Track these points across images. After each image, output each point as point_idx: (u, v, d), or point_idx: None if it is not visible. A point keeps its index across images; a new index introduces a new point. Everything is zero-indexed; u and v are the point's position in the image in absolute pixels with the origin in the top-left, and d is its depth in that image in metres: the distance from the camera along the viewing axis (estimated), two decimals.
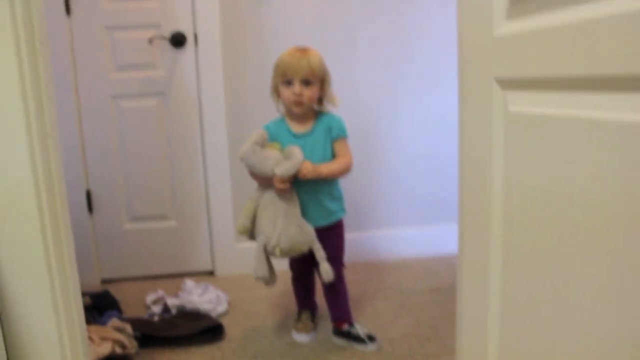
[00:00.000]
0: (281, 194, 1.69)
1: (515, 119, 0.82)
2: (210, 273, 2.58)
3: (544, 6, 0.75)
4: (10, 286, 1.15)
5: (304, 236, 1.70)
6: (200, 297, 2.15)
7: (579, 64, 0.67)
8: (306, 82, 1.69)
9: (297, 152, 1.65)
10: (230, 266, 2.54)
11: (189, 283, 2.26)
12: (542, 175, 0.76)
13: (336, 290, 1.88)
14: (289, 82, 1.70)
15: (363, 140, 2.55)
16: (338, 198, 1.82)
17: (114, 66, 2.39)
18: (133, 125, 2.45)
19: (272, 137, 1.76)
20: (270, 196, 1.71)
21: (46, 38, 1.16)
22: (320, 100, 1.77)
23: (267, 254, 1.73)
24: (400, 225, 2.68)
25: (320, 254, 1.72)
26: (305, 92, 1.69)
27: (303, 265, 1.90)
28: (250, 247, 2.48)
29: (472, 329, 1.01)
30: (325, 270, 1.72)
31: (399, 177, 2.64)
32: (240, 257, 2.56)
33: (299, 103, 1.70)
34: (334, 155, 1.76)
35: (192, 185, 2.52)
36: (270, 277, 1.75)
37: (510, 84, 0.83)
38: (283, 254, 1.70)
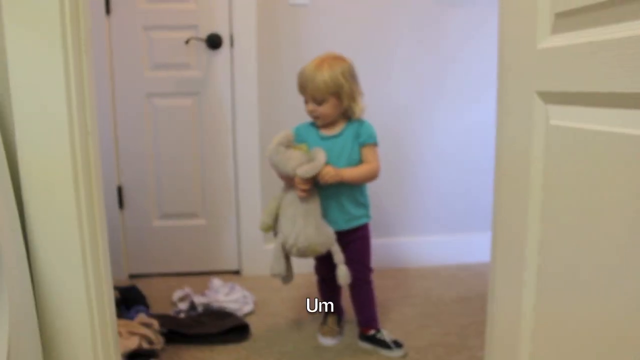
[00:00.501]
0: (302, 194, 1.71)
1: (557, 132, 0.82)
2: (237, 272, 2.60)
3: (592, 21, 0.74)
4: (46, 276, 1.18)
5: (322, 237, 1.72)
6: (227, 297, 2.17)
7: (624, 81, 0.66)
8: (317, 101, 1.72)
9: (320, 155, 1.67)
10: (257, 266, 2.56)
11: (216, 282, 2.28)
12: (582, 191, 0.75)
13: (363, 295, 1.88)
14: (305, 99, 1.75)
15: (395, 145, 2.54)
16: (363, 204, 1.82)
17: (150, 65, 2.43)
18: (166, 123, 2.49)
19: (300, 139, 1.79)
20: (292, 196, 1.72)
21: (90, 37, 1.20)
22: (345, 109, 1.76)
23: (286, 253, 1.75)
24: (429, 233, 2.67)
25: (338, 257, 1.73)
26: (319, 110, 1.72)
27: (328, 269, 1.89)
28: None
29: (503, 341, 1.01)
30: (342, 273, 1.73)
31: (430, 184, 2.64)
32: (267, 258, 2.53)
33: (315, 118, 1.75)
34: (361, 161, 1.77)
35: (221, 185, 2.54)
36: (287, 275, 1.77)
37: (552, 97, 0.83)
38: (300, 253, 1.72)
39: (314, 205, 1.72)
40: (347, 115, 1.78)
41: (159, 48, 2.42)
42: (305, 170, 1.65)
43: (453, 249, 2.67)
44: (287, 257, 1.78)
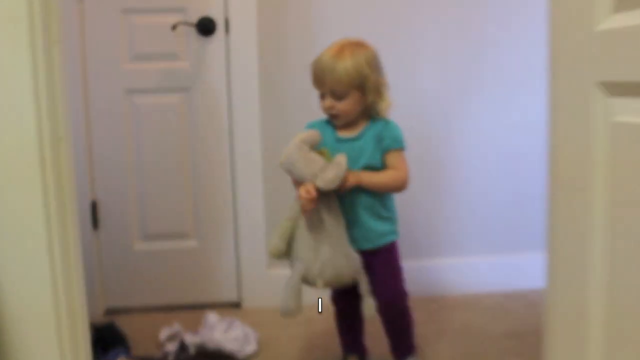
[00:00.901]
0: (326, 213, 1.71)
1: (623, 130, 0.82)
2: (237, 305, 2.59)
3: None
4: (9, 314, 1.20)
5: (350, 266, 1.74)
6: (225, 334, 2.16)
7: None
8: (337, 95, 1.73)
9: (342, 161, 1.68)
10: (260, 297, 2.55)
11: (212, 317, 2.27)
12: None
13: (398, 323, 1.89)
14: (320, 94, 1.77)
15: (424, 149, 2.54)
16: (388, 218, 1.83)
17: (130, 56, 2.45)
18: (150, 125, 2.50)
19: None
20: (310, 220, 1.73)
21: (61, 29, 1.22)
22: (368, 105, 1.78)
23: (302, 285, 1.76)
24: (469, 254, 2.67)
25: (364, 287, 1.75)
26: (339, 106, 1.74)
27: (349, 300, 1.90)
28: (287, 274, 2.52)
29: None
30: (369, 305, 1.74)
31: (468, 195, 2.64)
32: (273, 287, 2.51)
33: (333, 116, 1.77)
34: (382, 169, 1.78)
35: (217, 199, 2.55)
36: (297, 310, 1.77)
37: (616, 88, 0.83)
38: (325, 286, 1.75)
39: (341, 228, 1.73)
40: (368, 114, 1.80)
41: (141, 35, 2.44)
42: (329, 180, 1.65)
43: (499, 272, 2.66)
44: (300, 290, 1.78)
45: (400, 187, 1.78)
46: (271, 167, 2.50)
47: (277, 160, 2.45)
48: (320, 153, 1.72)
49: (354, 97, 1.73)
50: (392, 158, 1.76)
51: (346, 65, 1.70)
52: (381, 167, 1.77)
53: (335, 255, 1.72)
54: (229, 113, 2.50)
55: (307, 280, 1.75)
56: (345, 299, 1.91)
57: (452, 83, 2.56)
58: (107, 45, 2.44)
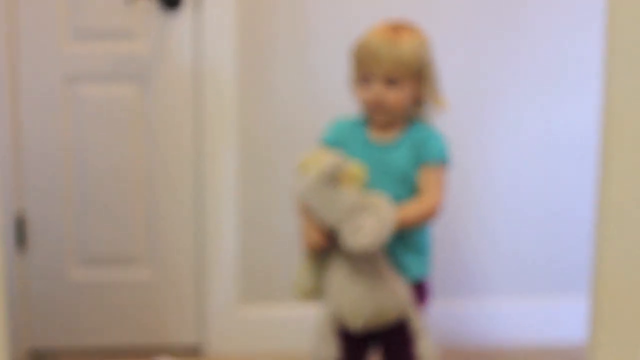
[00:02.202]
0: None
1: None
2: (198, 349, 2.60)
3: None
4: None
5: (397, 298, 1.74)
6: None
7: None
8: (391, 81, 1.75)
9: (385, 210, 1.65)
10: (229, 341, 2.57)
11: None
12: None
13: None
14: (366, 79, 1.77)
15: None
16: (420, 251, 1.85)
17: (71, 33, 2.45)
18: (95, 122, 2.50)
19: (336, 141, 1.83)
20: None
21: None
22: (418, 102, 1.83)
23: (339, 327, 1.77)
24: (496, 294, 2.69)
25: (417, 325, 1.77)
26: (389, 96, 1.75)
27: (354, 348, 1.88)
28: (264, 313, 2.58)
29: None
30: (427, 348, 1.77)
31: (494, 225, 2.66)
32: (246, 328, 2.59)
33: (379, 108, 1.77)
34: (416, 190, 1.79)
35: (177, 216, 2.56)
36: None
37: None
38: (365, 327, 1.73)
39: (379, 254, 1.74)
40: (409, 116, 1.83)
41: (85, 7, 2.44)
42: (363, 243, 1.62)
43: (533, 319, 2.67)
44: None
45: (430, 218, 1.79)
46: (248, 178, 2.53)
47: (258, 162, 2.51)
48: (352, 176, 1.69)
49: (409, 86, 1.76)
50: (428, 176, 1.79)
51: (411, 45, 1.75)
52: (415, 188, 1.80)
53: (375, 285, 1.72)
54: (196, 109, 2.50)
55: (341, 321, 1.75)
56: (350, 349, 1.87)
57: (482, 80, 2.58)
58: (42, 20, 2.43)
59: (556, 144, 2.63)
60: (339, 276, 1.73)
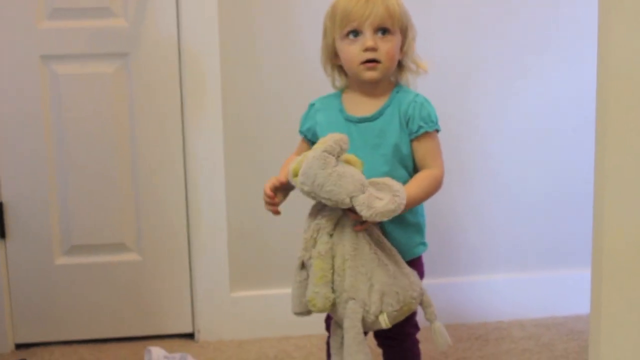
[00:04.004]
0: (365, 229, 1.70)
1: None
2: (190, 337, 2.62)
3: None
4: None
5: (415, 287, 1.72)
6: None
7: None
8: (383, 31, 1.72)
9: (398, 186, 1.64)
10: (221, 328, 2.57)
11: (156, 352, 2.28)
12: None
13: None
14: (355, 33, 1.73)
15: (442, 135, 2.54)
16: (415, 225, 1.83)
17: (47, 10, 2.44)
18: (75, 103, 2.49)
19: (312, 128, 1.82)
20: (350, 239, 1.69)
21: None
22: (399, 65, 1.80)
23: (364, 329, 1.71)
24: (494, 270, 2.70)
25: (432, 310, 1.75)
26: (383, 46, 1.72)
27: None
28: (257, 298, 2.58)
29: None
30: (441, 332, 1.75)
31: (494, 193, 2.67)
32: (239, 315, 2.59)
33: (373, 63, 1.72)
34: (412, 161, 1.77)
35: (166, 200, 2.56)
36: None
37: None
38: (393, 322, 1.70)
39: (386, 240, 1.73)
40: (390, 83, 1.81)
41: None
42: (379, 210, 1.58)
43: (532, 294, 2.69)
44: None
45: (436, 191, 1.78)
46: (237, 158, 2.53)
47: (246, 146, 2.49)
48: (350, 161, 1.67)
49: (398, 39, 1.75)
50: (424, 147, 1.76)
51: None
52: (410, 155, 1.77)
53: (394, 277, 1.68)
54: (182, 86, 2.50)
55: (365, 324, 1.69)
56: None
57: (478, 49, 2.59)
58: None
59: (555, 111, 2.64)
60: (355, 280, 1.67)
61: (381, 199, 1.59)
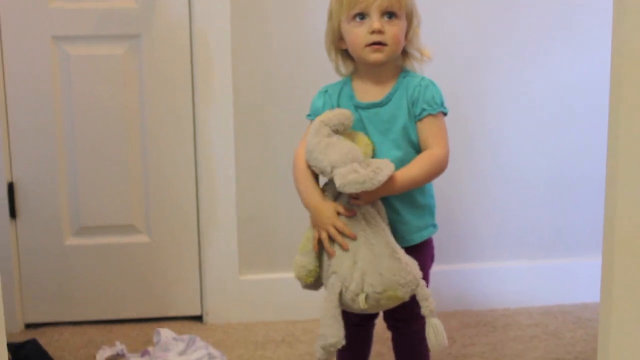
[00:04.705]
0: (359, 206, 1.70)
1: None
2: (198, 319, 2.63)
3: None
4: None
5: (405, 274, 1.69)
6: (183, 357, 2.20)
7: None
8: (389, 15, 1.72)
9: (385, 168, 1.64)
10: (229, 310, 2.58)
11: (165, 333, 2.29)
12: None
13: (415, 352, 1.91)
14: (362, 16, 1.73)
15: (450, 119, 2.53)
16: (425, 207, 1.83)
17: None
18: (85, 84, 2.49)
19: (321, 108, 1.81)
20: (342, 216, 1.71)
21: None
22: (403, 52, 1.80)
23: (342, 307, 1.72)
24: (502, 258, 2.69)
25: (429, 305, 1.71)
26: (389, 29, 1.72)
27: (356, 323, 1.89)
28: (265, 282, 2.59)
29: None
30: (438, 330, 1.72)
31: (501, 179, 2.66)
32: (246, 298, 2.60)
33: (379, 45, 1.72)
34: (419, 144, 1.77)
35: (175, 182, 2.56)
36: (339, 343, 1.72)
37: None
38: (370, 305, 1.69)
39: (382, 222, 1.72)
40: (397, 67, 1.81)
41: None
42: (348, 180, 1.60)
43: (540, 282, 2.69)
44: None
45: (440, 172, 1.77)
46: (247, 141, 2.52)
47: (256, 129, 2.49)
48: (356, 138, 1.71)
49: (404, 23, 1.75)
50: (426, 128, 1.76)
51: None
52: (417, 142, 1.78)
53: (378, 258, 1.68)
54: (193, 68, 2.50)
55: (345, 300, 1.70)
56: (352, 324, 1.85)
57: (487, 33, 2.58)
58: None
59: (565, 94, 2.63)
60: (340, 254, 1.70)
61: (358, 172, 1.60)
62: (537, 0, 2.58)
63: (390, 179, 1.66)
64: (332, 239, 1.71)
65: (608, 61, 1.16)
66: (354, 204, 1.70)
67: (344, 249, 1.69)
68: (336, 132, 1.69)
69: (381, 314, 1.90)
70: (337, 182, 1.61)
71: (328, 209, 1.72)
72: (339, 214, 1.71)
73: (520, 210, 2.68)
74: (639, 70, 1.00)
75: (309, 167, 1.74)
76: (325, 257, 1.73)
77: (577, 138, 2.63)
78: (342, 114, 1.70)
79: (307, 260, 1.75)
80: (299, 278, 1.77)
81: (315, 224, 1.74)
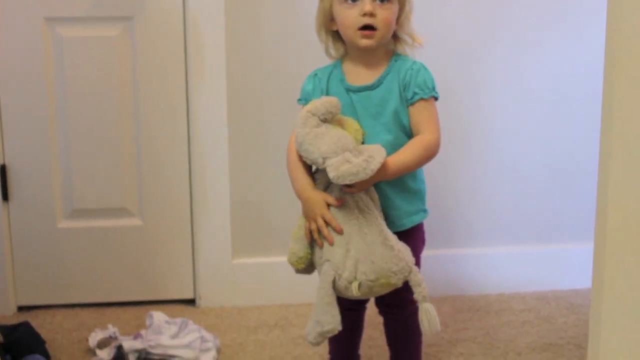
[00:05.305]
0: (352, 194, 1.71)
1: None
2: (191, 302, 2.63)
3: None
4: None
5: (397, 261, 1.69)
6: (175, 340, 2.20)
7: None
8: None
9: (377, 155, 1.64)
10: (222, 294, 2.58)
11: (158, 316, 2.29)
12: None
13: (408, 336, 1.92)
14: None
15: (441, 107, 2.50)
16: (416, 192, 1.84)
17: None
18: (79, 66, 2.48)
19: (311, 92, 1.81)
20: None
21: None
22: (394, 36, 1.80)
23: (337, 294, 1.72)
24: (495, 243, 2.71)
25: (421, 290, 1.72)
26: (381, 13, 1.71)
27: (347, 307, 1.87)
28: (258, 265, 2.59)
29: None
30: (430, 316, 1.72)
31: (495, 167, 2.67)
32: (239, 281, 2.60)
33: (370, 30, 1.72)
34: (410, 129, 1.77)
35: (168, 164, 2.56)
36: (334, 329, 1.73)
37: None
38: (363, 292, 1.70)
39: (375, 210, 1.72)
40: (388, 51, 1.81)
41: None
42: (341, 172, 1.60)
43: (533, 268, 2.70)
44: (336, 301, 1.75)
45: (431, 157, 1.78)
46: (240, 124, 2.52)
47: (249, 112, 2.49)
48: (345, 124, 1.71)
49: (396, 7, 1.74)
50: (418, 112, 1.76)
51: None
52: (409, 127, 1.78)
53: (371, 246, 1.68)
54: (186, 50, 2.49)
55: (338, 288, 1.71)
56: (346, 308, 1.86)
57: (483, 22, 2.58)
58: None
59: (560, 86, 2.63)
60: (340, 243, 1.70)
61: (350, 162, 1.60)
62: None
63: (383, 165, 1.65)
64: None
65: (602, 52, 1.16)
66: (347, 192, 1.69)
67: (329, 242, 1.69)
68: (324, 121, 1.68)
69: (372, 299, 1.90)
70: (331, 174, 1.61)
71: (317, 200, 1.73)
72: (329, 206, 1.71)
73: (514, 196, 2.68)
74: (632, 62, 1.00)
75: (300, 158, 1.72)
76: (326, 249, 1.73)
77: (570, 126, 2.64)
78: (330, 102, 1.69)
79: (298, 247, 1.77)
80: (290, 264, 1.79)
81: (306, 215, 1.74)
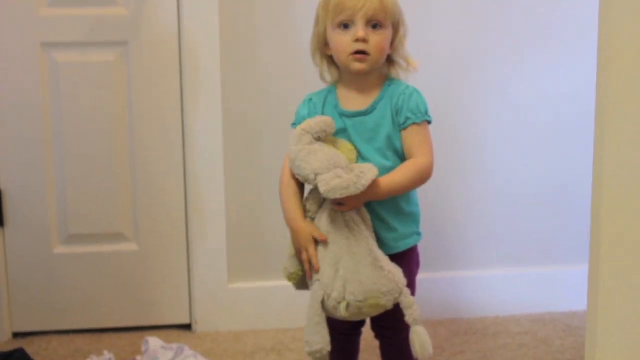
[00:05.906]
0: (343, 214, 1.71)
1: None
2: (187, 328, 2.62)
3: None
4: None
5: (387, 282, 1.69)
6: None
7: None
8: (374, 25, 1.73)
9: (369, 173, 1.65)
10: (218, 319, 2.58)
11: (154, 342, 2.29)
12: None
13: (399, 357, 1.91)
14: (346, 25, 1.74)
15: (435, 127, 2.52)
16: (410, 215, 1.84)
17: None
18: (74, 91, 2.48)
19: (307, 117, 1.80)
20: (326, 222, 1.73)
21: None
22: (389, 60, 1.81)
23: (327, 314, 1.72)
24: (491, 265, 2.71)
25: (412, 313, 1.71)
26: (373, 38, 1.73)
27: (342, 332, 1.89)
28: (254, 290, 2.58)
29: None
30: (422, 339, 1.71)
31: (490, 188, 2.67)
32: (236, 306, 2.59)
33: (362, 55, 1.73)
34: (403, 155, 1.78)
35: (164, 189, 2.56)
36: (325, 348, 1.72)
37: None
38: (352, 313, 1.69)
39: (366, 231, 1.72)
40: (382, 76, 1.82)
41: None
42: (332, 186, 1.61)
43: (529, 290, 2.70)
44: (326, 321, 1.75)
45: (424, 180, 1.78)
46: (236, 149, 2.53)
47: (245, 137, 2.50)
48: (339, 145, 1.72)
49: (389, 32, 1.76)
50: (411, 137, 1.77)
51: None
52: (401, 151, 1.78)
53: (359, 265, 1.68)
54: (181, 75, 2.50)
55: (327, 308, 1.71)
56: (341, 333, 1.87)
57: (475, 42, 2.59)
58: None
59: (553, 105, 2.64)
60: (323, 262, 1.71)
61: (341, 177, 1.62)
62: (523, 10, 2.57)
63: (374, 183, 1.66)
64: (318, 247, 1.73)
65: (594, 71, 1.17)
66: (338, 210, 1.70)
67: (317, 271, 1.71)
68: (318, 139, 1.70)
69: (369, 323, 1.90)
70: (322, 189, 1.62)
71: (304, 233, 1.74)
72: (315, 238, 1.73)
73: (510, 219, 2.69)
74: (624, 79, 1.01)
75: (293, 176, 1.75)
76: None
77: (564, 147, 2.64)
78: (324, 121, 1.71)
79: (289, 264, 1.79)
80: (285, 278, 1.82)
81: (294, 244, 1.77)
